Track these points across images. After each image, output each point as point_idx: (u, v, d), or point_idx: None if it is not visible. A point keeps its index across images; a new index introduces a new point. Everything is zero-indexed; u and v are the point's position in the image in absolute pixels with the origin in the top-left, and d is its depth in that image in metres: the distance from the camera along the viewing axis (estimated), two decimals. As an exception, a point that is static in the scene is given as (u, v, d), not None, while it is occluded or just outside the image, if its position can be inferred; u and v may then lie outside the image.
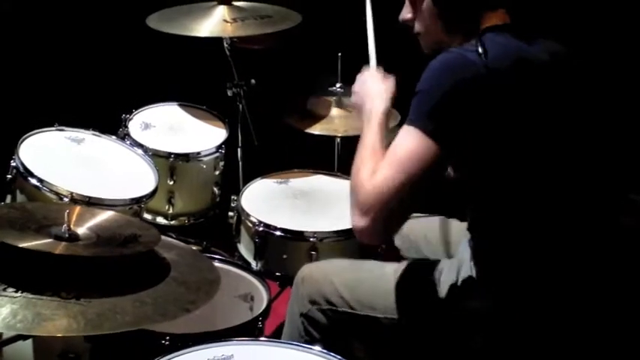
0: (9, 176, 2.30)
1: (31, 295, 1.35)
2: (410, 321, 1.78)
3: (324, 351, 1.68)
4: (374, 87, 1.82)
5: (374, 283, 1.83)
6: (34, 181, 2.23)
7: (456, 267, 1.78)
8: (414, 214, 2.24)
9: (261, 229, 2.31)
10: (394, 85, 1.82)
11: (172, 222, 2.73)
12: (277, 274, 2.33)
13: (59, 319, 1.31)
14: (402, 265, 1.86)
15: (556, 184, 1.64)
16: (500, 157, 1.60)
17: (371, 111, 1.77)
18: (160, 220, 2.71)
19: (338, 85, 2.69)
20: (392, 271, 1.85)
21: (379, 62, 1.94)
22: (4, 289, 1.37)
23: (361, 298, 1.81)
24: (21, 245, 1.41)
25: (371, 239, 1.67)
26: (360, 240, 1.68)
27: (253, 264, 2.34)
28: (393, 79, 1.84)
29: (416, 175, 1.56)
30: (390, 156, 1.60)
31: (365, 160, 1.67)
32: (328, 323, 1.85)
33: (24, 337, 1.57)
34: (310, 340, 1.85)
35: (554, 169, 1.64)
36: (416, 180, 1.56)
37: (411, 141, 1.57)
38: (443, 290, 1.76)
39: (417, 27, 1.74)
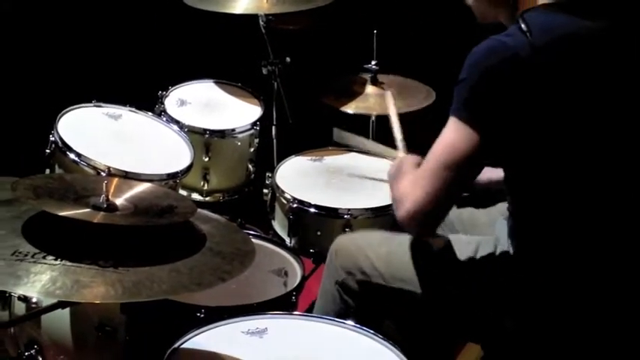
0: (47, 151, 2.34)
1: (69, 263, 1.37)
2: (442, 296, 1.78)
3: (357, 326, 1.69)
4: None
5: (409, 257, 1.83)
6: (72, 155, 2.26)
7: (493, 244, 1.77)
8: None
9: (295, 205, 2.32)
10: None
11: (207, 198, 2.75)
12: (311, 250, 2.34)
13: (97, 286, 1.33)
14: (438, 240, 1.86)
15: (601, 168, 1.61)
16: (544, 140, 1.57)
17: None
18: (195, 196, 2.73)
19: (373, 62, 2.68)
20: (427, 246, 1.85)
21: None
22: (44, 257, 1.39)
23: (394, 271, 1.82)
24: (60, 214, 1.43)
25: (416, 227, 1.67)
26: (409, 231, 1.71)
27: (287, 240, 2.35)
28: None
29: (456, 162, 1.56)
30: (433, 147, 1.61)
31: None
32: (363, 293, 1.86)
33: (62, 306, 1.59)
34: (345, 308, 1.86)
35: (600, 152, 1.60)
36: (456, 167, 1.56)
37: (449, 129, 1.57)
38: (479, 266, 1.75)
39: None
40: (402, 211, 1.64)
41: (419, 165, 1.71)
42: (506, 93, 1.52)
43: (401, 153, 2.06)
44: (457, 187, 1.63)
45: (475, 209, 2.09)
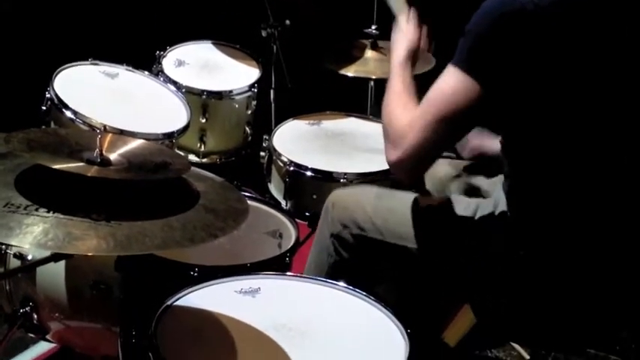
0: (44, 108, 2.33)
1: (62, 216, 1.37)
2: (439, 254, 1.78)
3: (350, 287, 1.69)
4: (395, 37, 1.85)
5: (407, 214, 1.83)
6: (68, 113, 2.25)
7: (492, 205, 1.77)
8: (447, 156, 2.24)
9: (291, 168, 2.32)
10: (425, 32, 1.86)
11: (204, 160, 2.76)
12: (307, 213, 2.34)
13: (89, 239, 1.32)
14: (435, 199, 1.86)
15: (601, 127, 1.60)
16: (545, 97, 1.55)
17: (393, 58, 1.81)
18: (192, 157, 2.73)
19: (373, 27, 2.65)
20: (424, 203, 1.85)
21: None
22: (36, 210, 1.38)
23: (392, 227, 1.82)
24: (54, 167, 1.42)
25: (402, 173, 1.67)
26: (394, 173, 1.70)
27: (283, 203, 2.35)
28: (424, 27, 1.87)
29: (452, 113, 1.55)
30: (429, 94, 1.60)
31: (394, 99, 1.70)
32: (358, 247, 1.86)
33: (55, 259, 1.59)
34: (339, 261, 1.87)
35: (602, 111, 1.58)
36: (452, 118, 1.55)
37: (449, 79, 1.56)
38: (477, 226, 1.75)
39: None
40: (392, 156, 1.64)
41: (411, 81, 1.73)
42: (511, 46, 1.50)
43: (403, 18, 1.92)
44: (450, 139, 1.64)
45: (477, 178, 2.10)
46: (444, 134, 1.58)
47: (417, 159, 1.62)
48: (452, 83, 1.55)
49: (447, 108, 1.55)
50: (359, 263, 1.81)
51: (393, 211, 1.83)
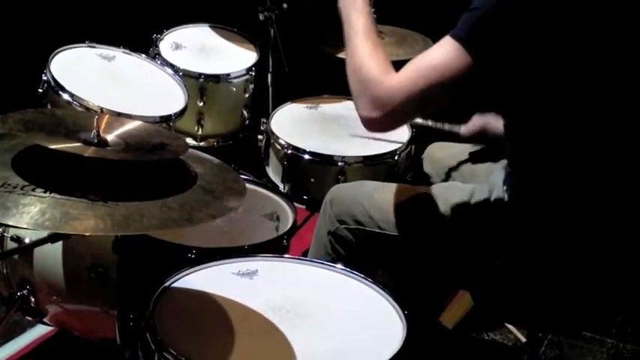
0: (40, 90, 2.32)
1: (59, 196, 1.36)
2: (437, 242, 1.78)
3: (348, 269, 1.70)
4: None
5: (404, 203, 1.83)
6: (65, 95, 2.24)
7: (487, 190, 1.77)
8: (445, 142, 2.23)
9: (289, 152, 2.31)
10: None
11: (201, 143, 2.75)
12: (304, 197, 2.34)
13: (87, 219, 1.32)
14: (433, 187, 1.85)
15: (602, 112, 1.59)
16: (546, 79, 1.55)
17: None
18: (189, 141, 2.72)
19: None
20: (422, 193, 1.85)
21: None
22: (33, 190, 1.37)
23: (391, 218, 1.81)
24: (51, 147, 1.41)
25: (379, 130, 1.65)
26: (369, 129, 1.65)
27: (281, 187, 2.34)
28: None
29: (440, 81, 1.53)
30: (419, 58, 1.57)
31: (369, 50, 1.62)
32: (355, 242, 1.86)
33: (53, 240, 1.59)
34: (337, 258, 1.86)
35: (604, 96, 1.58)
36: (439, 86, 1.53)
37: (444, 48, 1.54)
38: (473, 211, 1.75)
39: None
40: (372, 113, 1.59)
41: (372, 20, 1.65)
42: (516, 26, 1.49)
43: None
44: (430, 107, 1.64)
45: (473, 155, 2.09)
46: (428, 102, 1.57)
47: (398, 122, 1.64)
48: (443, 50, 1.53)
49: (439, 76, 1.53)
50: (356, 261, 1.79)
51: (390, 202, 1.83)
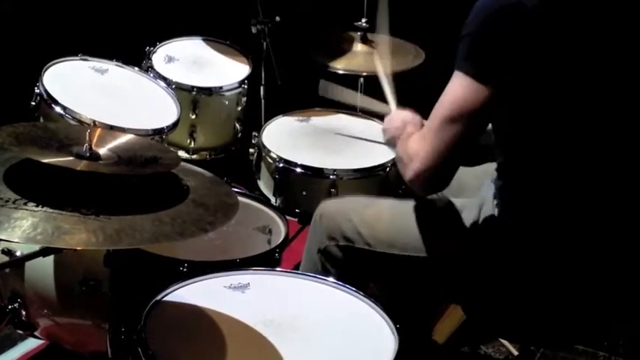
0: (33, 103, 2.31)
1: (51, 210, 1.36)
2: (429, 258, 1.78)
3: (339, 282, 1.70)
4: (400, 116, 1.87)
5: (393, 220, 1.83)
6: (57, 108, 2.24)
7: (477, 205, 1.77)
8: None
9: (281, 165, 2.31)
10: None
11: (193, 156, 2.75)
12: (296, 210, 2.34)
13: (79, 233, 1.32)
14: (422, 203, 1.86)
15: (600, 122, 1.60)
16: (545, 92, 1.55)
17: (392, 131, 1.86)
18: (182, 154, 2.72)
19: (363, 20, 2.65)
20: (411, 208, 1.84)
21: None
22: (25, 204, 1.37)
23: (380, 235, 1.81)
24: (43, 160, 1.41)
25: (423, 186, 1.66)
26: (416, 191, 1.70)
27: (273, 200, 2.34)
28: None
29: (461, 114, 1.54)
30: (437, 104, 1.59)
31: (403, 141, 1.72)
32: (345, 260, 1.85)
33: (44, 254, 1.58)
34: (327, 276, 1.85)
35: (603, 106, 1.58)
36: (462, 120, 1.54)
37: (455, 86, 1.56)
38: (464, 228, 1.75)
39: None
40: (410, 171, 1.63)
41: (422, 125, 1.69)
42: (510, 43, 1.50)
43: (392, 106, 2.03)
44: (465, 141, 1.60)
45: (463, 169, 2.09)
46: (459, 138, 1.57)
47: (435, 168, 1.60)
48: (458, 89, 1.55)
49: (457, 112, 1.55)
50: (345, 278, 1.78)
51: (380, 219, 1.83)
